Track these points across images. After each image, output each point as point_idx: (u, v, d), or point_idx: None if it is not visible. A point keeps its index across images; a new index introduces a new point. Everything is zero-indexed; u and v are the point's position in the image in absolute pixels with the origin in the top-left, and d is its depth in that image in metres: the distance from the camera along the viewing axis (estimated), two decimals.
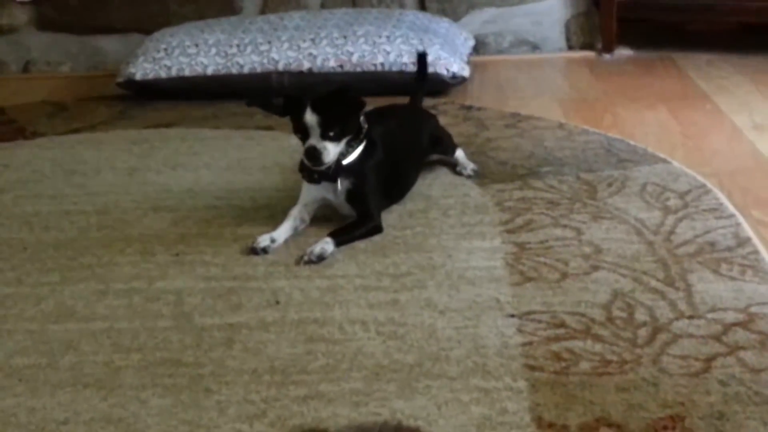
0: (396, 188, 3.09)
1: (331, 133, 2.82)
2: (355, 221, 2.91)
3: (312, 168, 2.87)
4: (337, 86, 2.96)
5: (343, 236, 2.83)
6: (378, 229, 2.90)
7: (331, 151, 2.83)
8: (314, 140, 2.83)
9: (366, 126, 2.94)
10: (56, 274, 2.77)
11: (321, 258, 2.74)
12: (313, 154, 2.83)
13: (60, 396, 2.20)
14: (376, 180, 2.96)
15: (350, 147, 2.89)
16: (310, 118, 2.81)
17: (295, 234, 2.90)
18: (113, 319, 2.52)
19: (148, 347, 2.38)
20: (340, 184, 2.90)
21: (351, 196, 2.92)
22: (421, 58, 3.50)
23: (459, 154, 3.35)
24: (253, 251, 2.80)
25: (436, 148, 3.32)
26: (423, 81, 3.51)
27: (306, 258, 2.74)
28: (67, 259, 2.86)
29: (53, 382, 2.25)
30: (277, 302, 2.54)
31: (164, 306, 2.57)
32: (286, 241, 2.86)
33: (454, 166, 3.34)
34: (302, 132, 2.85)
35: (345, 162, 2.89)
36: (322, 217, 2.99)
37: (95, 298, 2.63)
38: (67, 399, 2.18)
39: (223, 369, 2.27)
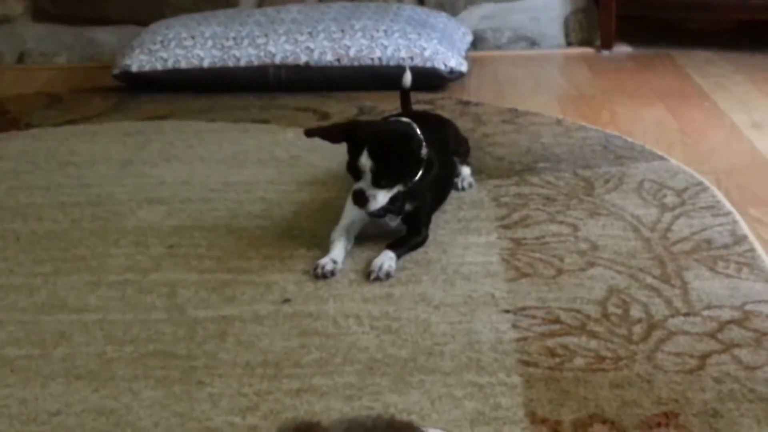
0: (442, 199, 3.00)
1: (383, 181, 2.67)
2: (408, 234, 2.78)
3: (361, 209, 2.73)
4: (401, 131, 2.77)
5: (401, 249, 2.71)
6: (426, 239, 2.80)
7: (379, 199, 2.67)
8: (364, 184, 2.67)
9: (426, 151, 2.77)
10: (49, 265, 2.76)
11: (389, 276, 2.61)
12: (361, 199, 2.68)
13: (52, 387, 2.19)
14: (431, 197, 2.86)
15: (407, 182, 2.74)
16: (365, 162, 2.64)
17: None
18: (106, 310, 2.51)
19: (140, 339, 2.37)
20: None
21: (408, 217, 2.79)
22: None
23: (465, 169, 3.22)
24: (317, 275, 2.62)
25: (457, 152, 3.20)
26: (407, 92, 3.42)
27: (374, 276, 2.60)
28: (60, 250, 2.85)
29: (45, 373, 2.24)
30: (286, 300, 2.52)
31: (157, 298, 2.56)
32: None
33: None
34: (354, 173, 2.69)
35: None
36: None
37: (88, 289, 2.62)
38: (59, 390, 2.17)
39: (215, 362, 2.26)
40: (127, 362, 2.27)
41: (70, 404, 2.12)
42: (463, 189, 3.14)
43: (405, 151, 2.72)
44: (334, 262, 2.65)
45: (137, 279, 2.66)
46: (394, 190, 2.71)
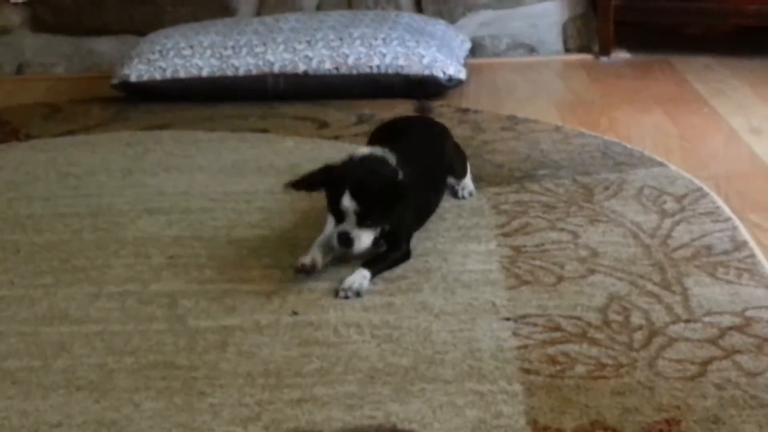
0: (424, 215, 2.96)
1: (369, 221, 2.63)
2: (387, 251, 2.74)
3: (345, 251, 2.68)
4: (381, 172, 2.70)
5: (377, 266, 2.67)
6: (409, 255, 2.76)
7: (364, 239, 2.63)
8: (348, 227, 2.63)
9: (402, 179, 2.71)
10: (49, 277, 2.76)
11: (358, 294, 2.57)
12: (346, 242, 2.63)
13: (53, 399, 2.18)
14: (410, 216, 2.82)
15: (390, 221, 2.71)
16: (347, 204, 2.60)
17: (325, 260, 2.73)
18: (106, 321, 2.51)
19: (141, 350, 2.37)
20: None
21: (387, 236, 2.73)
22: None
23: (467, 179, 3.19)
24: (302, 269, 2.65)
25: (452, 171, 3.15)
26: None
27: (343, 294, 2.57)
28: (61, 261, 2.85)
29: (46, 384, 2.24)
30: (295, 313, 2.52)
31: (158, 309, 2.56)
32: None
33: (452, 187, 3.16)
34: (337, 215, 2.65)
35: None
36: None
37: (88, 300, 2.62)
38: (60, 402, 2.17)
39: (216, 372, 2.25)
40: (128, 373, 2.27)
41: (71, 416, 2.12)
42: (463, 198, 3.14)
43: (387, 190, 2.65)
44: (313, 258, 2.66)
45: (138, 290, 2.66)
46: (378, 230, 2.68)
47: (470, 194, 3.15)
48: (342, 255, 2.71)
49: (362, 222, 2.62)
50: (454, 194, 3.14)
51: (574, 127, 3.81)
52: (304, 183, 2.75)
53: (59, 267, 2.82)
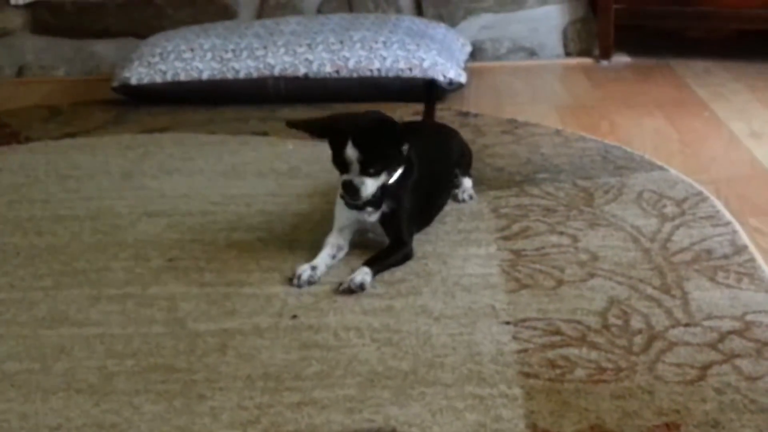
0: (427, 212, 2.97)
1: (372, 170, 2.68)
2: (387, 248, 2.77)
3: (352, 201, 2.73)
4: (381, 118, 2.78)
5: (378, 265, 2.68)
6: (410, 255, 2.78)
7: (369, 186, 2.68)
8: (353, 175, 2.68)
9: (407, 148, 2.78)
10: (49, 279, 2.76)
11: (362, 288, 2.58)
12: (351, 189, 2.69)
13: (52, 401, 2.18)
14: (411, 203, 2.83)
15: (391, 171, 2.76)
16: (350, 152, 2.65)
17: (336, 262, 2.75)
18: (106, 324, 2.51)
19: (141, 353, 2.36)
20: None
21: (385, 219, 2.78)
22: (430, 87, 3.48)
23: (467, 181, 3.21)
24: (297, 285, 2.62)
25: (460, 164, 3.19)
26: (432, 105, 3.45)
27: (345, 286, 2.59)
28: (61, 264, 2.85)
29: (46, 387, 2.24)
30: (294, 317, 2.51)
31: (158, 311, 2.56)
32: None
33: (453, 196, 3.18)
34: (341, 165, 2.70)
35: (388, 182, 2.76)
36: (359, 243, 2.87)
37: (88, 303, 2.62)
38: (60, 404, 2.17)
39: (216, 375, 2.25)
40: (128, 376, 2.27)
41: (70, 418, 2.12)
42: (463, 201, 3.14)
43: (387, 136, 2.73)
44: (313, 268, 2.65)
45: (137, 292, 2.66)
46: (381, 179, 2.72)
47: (470, 197, 3.15)
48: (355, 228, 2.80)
49: (365, 170, 2.67)
50: (454, 197, 3.14)
51: (574, 130, 3.81)
52: (305, 125, 2.86)
53: (59, 270, 2.81)
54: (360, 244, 2.83)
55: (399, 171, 2.78)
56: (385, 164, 2.72)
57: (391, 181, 2.77)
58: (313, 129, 2.88)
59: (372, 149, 2.68)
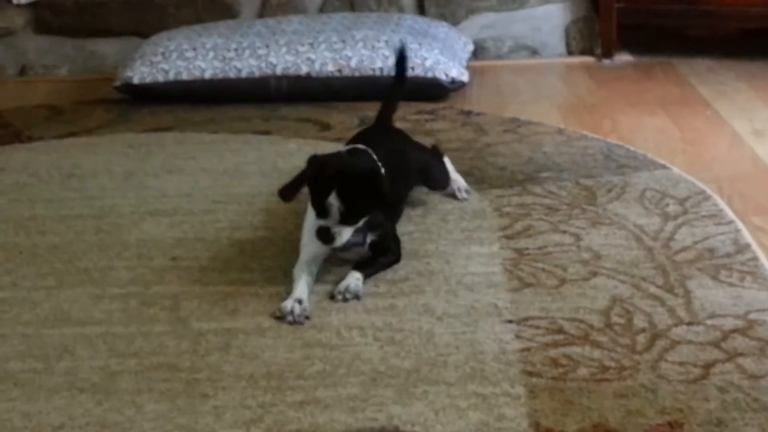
0: (399, 211, 2.96)
1: (351, 219, 2.60)
2: (375, 255, 2.73)
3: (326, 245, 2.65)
4: (367, 170, 2.67)
5: (369, 269, 2.67)
6: (398, 257, 2.76)
7: (344, 235, 2.59)
8: (331, 222, 2.58)
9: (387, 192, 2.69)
10: (52, 278, 2.76)
11: (357, 297, 2.57)
12: (326, 237, 2.60)
13: (55, 400, 2.19)
14: (389, 222, 2.81)
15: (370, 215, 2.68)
16: (333, 202, 2.56)
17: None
18: (109, 323, 2.51)
19: (144, 352, 2.37)
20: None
21: (375, 246, 2.73)
22: (401, 55, 3.32)
23: (455, 174, 3.18)
24: (291, 322, 2.48)
25: (426, 180, 3.12)
26: (401, 82, 3.33)
27: (341, 297, 2.56)
28: (63, 263, 2.85)
29: (49, 386, 2.24)
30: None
31: (160, 311, 2.56)
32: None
33: (452, 195, 3.17)
34: (320, 211, 2.60)
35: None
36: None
37: (91, 302, 2.62)
38: (63, 403, 2.17)
39: (219, 374, 2.25)
40: (131, 375, 2.27)
41: (73, 417, 2.12)
42: (464, 198, 3.13)
43: (373, 188, 2.63)
44: (300, 302, 2.52)
45: (140, 291, 2.66)
46: (359, 225, 2.65)
47: (467, 192, 3.15)
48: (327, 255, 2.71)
49: (345, 219, 2.60)
50: (454, 196, 3.13)
51: (576, 129, 3.81)
52: (295, 186, 2.70)
53: (62, 269, 2.82)
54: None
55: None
56: (366, 214, 2.64)
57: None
58: (303, 184, 2.69)
59: (356, 199, 2.59)
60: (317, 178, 2.63)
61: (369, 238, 2.72)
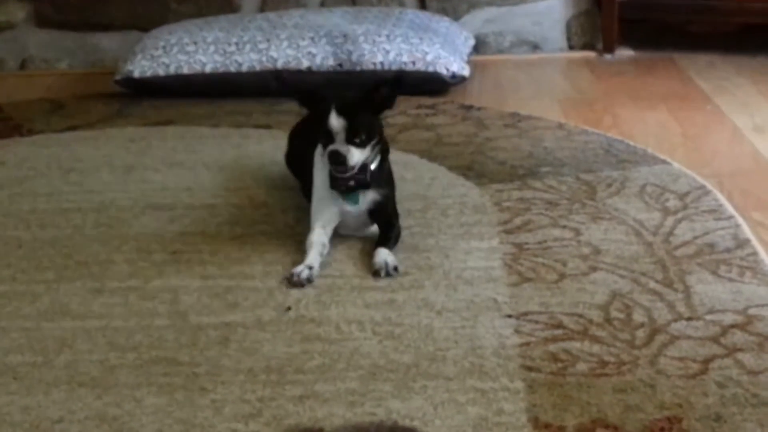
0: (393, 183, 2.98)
1: (357, 139, 2.67)
2: (385, 231, 2.78)
3: (339, 174, 2.71)
4: (363, 91, 2.77)
5: (389, 243, 2.74)
6: (399, 230, 2.83)
7: (356, 155, 2.67)
8: (339, 144, 2.66)
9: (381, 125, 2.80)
10: (52, 272, 2.76)
11: (396, 270, 2.64)
12: (338, 159, 2.66)
13: (55, 394, 2.19)
14: (392, 185, 2.87)
15: (374, 151, 2.75)
16: (335, 121, 2.65)
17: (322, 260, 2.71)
18: (109, 317, 2.51)
19: (143, 346, 2.37)
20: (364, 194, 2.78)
21: (377, 206, 2.78)
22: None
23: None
24: (296, 284, 2.60)
25: None
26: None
27: (383, 273, 2.62)
28: (63, 257, 2.85)
29: (48, 380, 2.24)
30: (289, 308, 2.51)
31: (160, 304, 2.56)
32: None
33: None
34: (326, 136, 2.69)
35: (372, 167, 2.75)
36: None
37: (91, 296, 2.62)
38: (62, 397, 2.17)
39: (218, 368, 2.26)
40: (130, 369, 2.27)
41: (73, 411, 2.12)
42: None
43: (368, 99, 2.73)
44: (310, 268, 2.64)
45: (140, 285, 2.67)
46: (366, 152, 2.71)
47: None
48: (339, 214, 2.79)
49: (351, 139, 2.66)
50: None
51: (577, 124, 3.80)
52: (295, 91, 2.87)
53: (62, 262, 2.82)
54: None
55: (378, 157, 2.77)
56: (369, 134, 2.71)
57: (373, 166, 2.76)
58: (300, 97, 2.84)
59: (355, 117, 2.67)
60: (316, 101, 2.74)
61: (373, 195, 2.77)
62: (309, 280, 2.62)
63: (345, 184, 2.74)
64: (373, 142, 2.74)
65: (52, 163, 3.60)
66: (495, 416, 2.03)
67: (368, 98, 2.74)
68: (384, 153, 2.83)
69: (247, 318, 2.47)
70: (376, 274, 2.64)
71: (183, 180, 3.39)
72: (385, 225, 2.81)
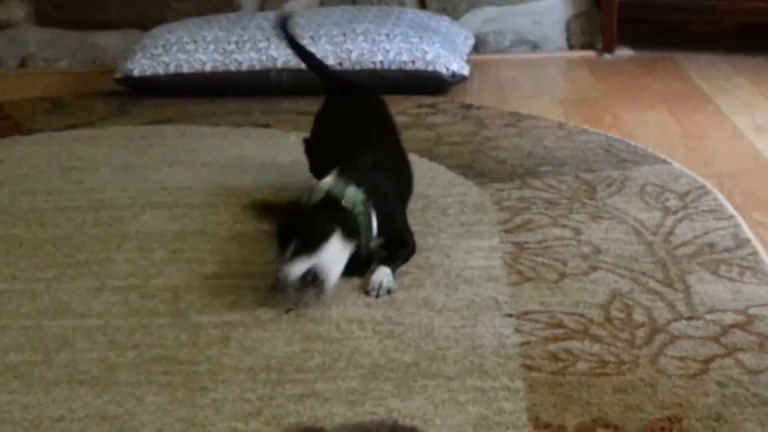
0: (408, 193, 2.96)
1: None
2: (394, 248, 2.70)
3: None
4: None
5: (395, 264, 2.64)
6: (414, 248, 2.73)
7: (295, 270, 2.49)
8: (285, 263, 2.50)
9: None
10: (52, 271, 2.76)
11: (389, 292, 2.54)
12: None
13: (55, 393, 2.19)
14: (399, 206, 2.80)
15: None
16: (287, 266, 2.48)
17: None
18: (109, 315, 2.51)
19: (143, 344, 2.37)
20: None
21: (390, 242, 2.70)
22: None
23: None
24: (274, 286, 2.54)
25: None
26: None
27: (375, 294, 2.53)
28: (63, 255, 2.85)
29: (48, 378, 2.24)
30: (288, 310, 2.51)
31: (160, 303, 2.56)
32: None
33: None
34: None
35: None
36: None
37: (91, 294, 2.62)
38: (62, 396, 2.17)
39: (218, 367, 2.25)
40: (131, 368, 2.27)
41: (73, 410, 2.12)
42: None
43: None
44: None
45: (140, 284, 2.66)
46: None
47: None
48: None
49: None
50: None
51: (577, 123, 3.80)
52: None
53: (62, 261, 2.82)
54: None
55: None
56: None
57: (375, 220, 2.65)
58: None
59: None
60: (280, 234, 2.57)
61: (383, 238, 2.67)
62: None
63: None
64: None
65: (52, 162, 3.60)
66: (495, 415, 2.03)
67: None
68: (382, 185, 2.72)
69: (247, 317, 2.47)
70: (368, 292, 2.55)
71: (183, 179, 3.39)
72: (395, 245, 2.71)
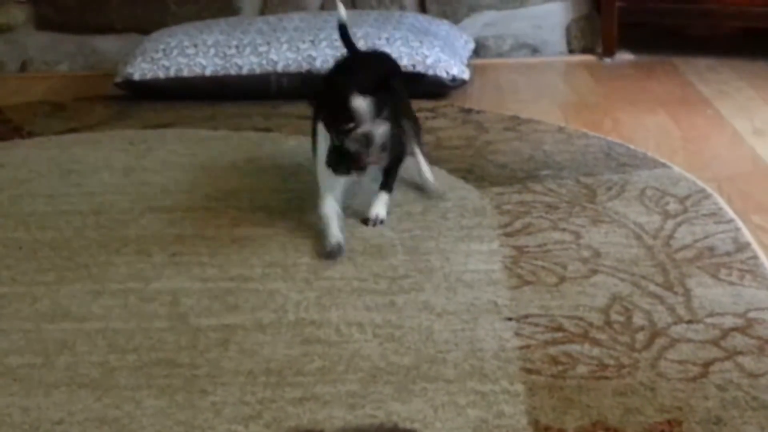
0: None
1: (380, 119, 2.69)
2: (390, 170, 2.97)
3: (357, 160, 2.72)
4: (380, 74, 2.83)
5: (390, 183, 2.96)
6: (404, 151, 2.98)
7: (378, 134, 2.70)
8: (367, 125, 2.67)
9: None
10: (52, 274, 2.76)
11: (383, 222, 2.91)
12: (367, 141, 2.67)
13: (55, 396, 2.19)
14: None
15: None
16: (359, 103, 2.66)
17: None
18: (108, 319, 2.51)
19: (143, 348, 2.37)
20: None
21: (391, 163, 2.92)
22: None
23: (420, 158, 3.24)
24: (331, 256, 2.75)
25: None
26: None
27: (372, 223, 2.91)
28: (63, 258, 2.85)
29: (48, 381, 2.24)
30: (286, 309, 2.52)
31: (160, 306, 2.56)
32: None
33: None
34: (348, 120, 2.67)
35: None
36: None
37: (91, 298, 2.62)
38: (62, 399, 2.17)
39: (218, 370, 2.25)
40: (130, 371, 2.27)
41: (72, 413, 2.12)
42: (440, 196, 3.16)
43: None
44: (338, 241, 2.78)
45: (140, 287, 2.66)
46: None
47: (433, 184, 3.19)
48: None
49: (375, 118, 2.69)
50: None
51: (577, 127, 3.80)
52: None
53: (61, 264, 2.82)
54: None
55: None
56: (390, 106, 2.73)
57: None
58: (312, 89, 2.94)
59: (377, 96, 2.69)
60: (332, 92, 2.77)
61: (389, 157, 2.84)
62: (340, 250, 2.76)
63: (359, 166, 2.77)
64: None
65: (52, 165, 3.60)
66: (495, 419, 2.03)
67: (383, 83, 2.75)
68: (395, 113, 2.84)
69: (247, 320, 2.47)
70: (365, 221, 2.92)
71: (182, 182, 3.39)
72: (393, 165, 2.94)
